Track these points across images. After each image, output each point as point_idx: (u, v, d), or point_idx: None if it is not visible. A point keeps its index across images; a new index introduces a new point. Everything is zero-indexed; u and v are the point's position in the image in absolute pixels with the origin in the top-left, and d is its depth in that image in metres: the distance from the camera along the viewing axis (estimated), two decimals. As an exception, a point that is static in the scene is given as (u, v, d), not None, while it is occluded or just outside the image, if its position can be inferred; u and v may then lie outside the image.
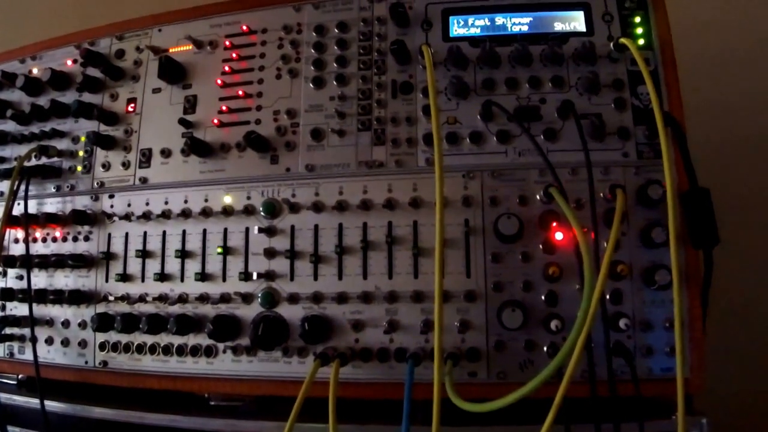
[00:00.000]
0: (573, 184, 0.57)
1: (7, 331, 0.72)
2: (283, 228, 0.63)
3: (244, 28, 0.69)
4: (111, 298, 0.68)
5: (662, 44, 0.61)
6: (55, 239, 0.73)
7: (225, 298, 0.63)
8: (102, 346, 0.68)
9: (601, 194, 0.57)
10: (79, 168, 0.74)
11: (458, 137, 0.61)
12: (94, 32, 0.78)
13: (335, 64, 0.65)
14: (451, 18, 0.64)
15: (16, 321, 0.71)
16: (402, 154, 0.62)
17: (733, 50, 0.96)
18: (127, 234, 0.69)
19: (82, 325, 0.69)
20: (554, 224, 0.56)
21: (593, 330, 0.54)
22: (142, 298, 0.67)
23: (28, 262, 0.69)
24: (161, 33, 0.74)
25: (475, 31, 0.64)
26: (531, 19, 0.63)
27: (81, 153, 0.74)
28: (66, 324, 0.70)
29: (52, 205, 0.74)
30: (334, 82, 0.65)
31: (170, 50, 0.73)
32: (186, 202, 0.67)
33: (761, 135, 0.93)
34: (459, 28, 0.64)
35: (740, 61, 0.96)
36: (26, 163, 0.74)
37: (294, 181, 0.64)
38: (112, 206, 0.70)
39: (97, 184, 0.72)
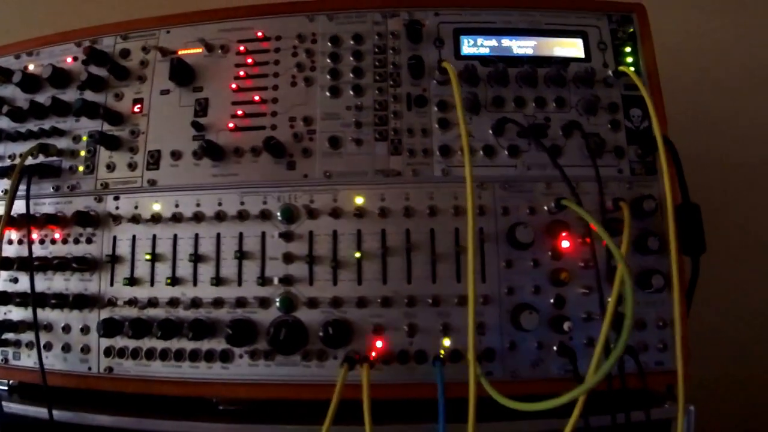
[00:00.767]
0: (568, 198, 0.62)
1: (2, 336, 0.68)
2: (301, 233, 0.64)
3: (259, 34, 0.70)
4: (119, 302, 0.67)
5: (649, 72, 0.68)
6: (54, 241, 0.71)
7: (241, 303, 0.64)
8: (107, 352, 0.66)
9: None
10: (81, 168, 0.72)
11: (472, 150, 0.64)
12: (94, 30, 0.76)
13: (351, 75, 0.68)
14: (462, 37, 0.68)
15: (12, 326, 0.68)
16: (418, 164, 0.65)
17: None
18: (134, 237, 0.67)
19: (85, 330, 0.67)
20: (563, 233, 0.61)
21: (592, 330, 0.60)
22: (152, 303, 0.66)
23: (31, 264, 0.66)
24: (169, 35, 0.73)
25: (484, 51, 0.68)
26: (535, 42, 0.68)
27: (83, 153, 0.72)
28: (67, 329, 0.68)
29: (49, 206, 0.71)
30: (351, 92, 0.67)
31: (179, 52, 0.72)
32: (198, 205, 0.67)
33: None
34: (469, 47, 0.68)
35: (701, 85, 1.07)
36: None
37: (312, 187, 0.65)
38: (117, 208, 0.69)
39: (101, 185, 0.70)
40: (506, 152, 0.64)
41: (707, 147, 0.95)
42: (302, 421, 0.65)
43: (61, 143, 0.73)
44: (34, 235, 0.72)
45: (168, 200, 0.68)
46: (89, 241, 0.69)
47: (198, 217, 0.66)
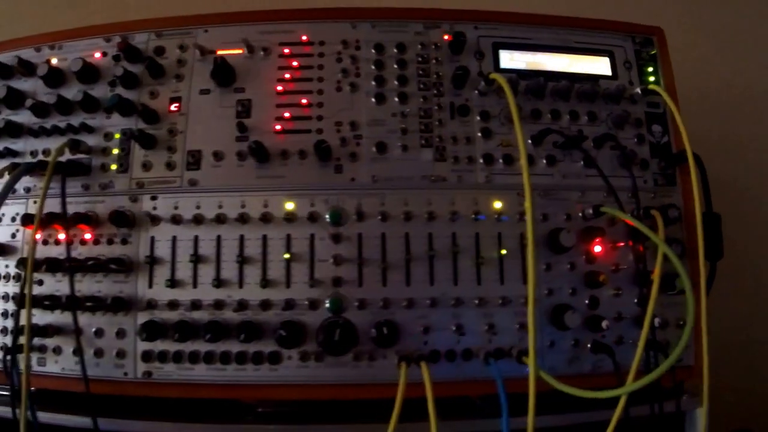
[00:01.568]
0: (606, 205, 0.66)
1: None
2: (349, 235, 0.65)
3: (304, 38, 0.71)
4: (159, 305, 0.65)
5: (668, 91, 0.73)
6: (84, 242, 0.68)
7: (290, 305, 0.64)
8: (146, 356, 0.65)
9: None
10: (114, 166, 0.70)
11: (513, 159, 0.68)
12: (124, 26, 0.75)
13: (396, 82, 0.70)
14: (500, 51, 0.72)
15: (39, 330, 0.65)
16: (463, 170, 0.67)
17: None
18: (174, 238, 0.67)
19: (121, 334, 0.66)
20: (599, 239, 0.66)
21: (622, 329, 0.65)
22: (195, 305, 0.65)
23: (70, 266, 0.64)
24: (207, 34, 0.73)
25: (521, 65, 0.72)
26: (566, 59, 0.73)
27: (115, 150, 0.70)
28: (99, 333, 0.66)
29: (78, 205, 0.69)
30: (396, 99, 0.69)
31: (218, 52, 0.72)
32: (243, 206, 0.67)
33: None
34: (508, 61, 0.71)
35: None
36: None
37: (359, 191, 0.67)
38: (155, 208, 0.68)
39: (136, 184, 0.69)
40: (544, 161, 0.68)
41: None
42: (343, 420, 0.66)
43: (91, 140, 0.71)
44: (62, 236, 0.69)
45: (210, 201, 0.67)
46: (124, 241, 0.68)
47: (243, 219, 0.66)
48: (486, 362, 0.62)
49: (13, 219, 0.72)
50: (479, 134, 0.68)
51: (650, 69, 0.73)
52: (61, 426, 0.65)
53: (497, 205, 0.66)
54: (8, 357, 0.66)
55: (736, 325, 1.09)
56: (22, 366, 0.65)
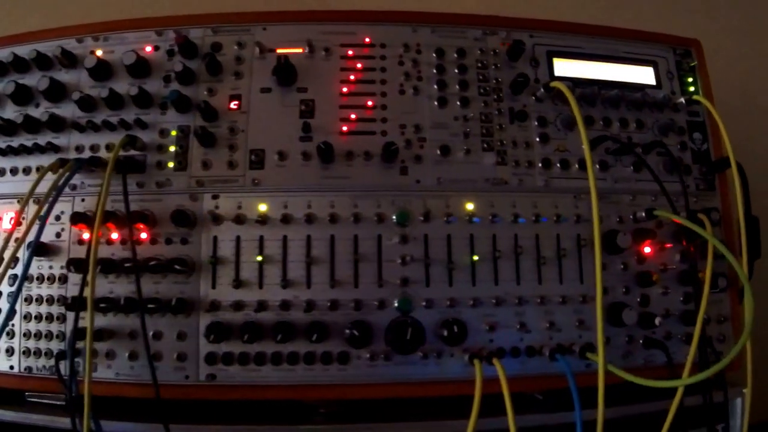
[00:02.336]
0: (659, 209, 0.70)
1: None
2: (416, 236, 0.66)
3: (367, 40, 0.71)
4: (223, 306, 0.64)
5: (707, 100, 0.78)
6: (139, 241, 0.66)
7: (359, 305, 0.65)
8: (210, 359, 0.64)
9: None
10: (171, 164, 0.68)
11: (569, 164, 0.71)
12: (178, 20, 0.73)
13: (457, 87, 0.71)
14: (554, 60, 0.74)
15: (96, 334, 0.63)
16: (523, 174, 0.70)
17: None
18: (238, 237, 0.66)
19: (182, 336, 0.64)
20: (649, 240, 0.69)
21: (669, 325, 0.69)
22: (262, 306, 0.64)
23: (136, 266, 0.62)
24: (266, 32, 0.72)
25: (573, 74, 0.75)
26: (615, 68, 0.76)
27: (172, 147, 0.69)
28: (158, 336, 0.65)
29: (133, 203, 0.66)
30: (458, 103, 0.71)
31: (277, 50, 0.71)
32: (309, 207, 0.67)
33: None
34: (562, 69, 0.74)
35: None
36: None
37: (425, 192, 0.68)
38: (217, 207, 0.67)
39: (196, 182, 0.68)
40: (598, 166, 0.71)
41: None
42: (405, 418, 0.67)
43: (145, 137, 0.69)
44: (115, 235, 0.67)
45: (275, 201, 0.67)
46: (184, 241, 0.66)
47: (310, 219, 0.66)
48: (552, 358, 0.65)
49: (57, 218, 0.69)
50: (537, 139, 0.71)
51: (690, 79, 0.77)
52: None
53: (556, 207, 0.69)
54: (59, 362, 0.64)
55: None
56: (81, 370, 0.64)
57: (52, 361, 0.67)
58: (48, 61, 0.74)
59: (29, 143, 0.72)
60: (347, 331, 0.62)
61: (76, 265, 0.65)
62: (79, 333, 0.63)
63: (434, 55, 0.72)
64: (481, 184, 0.69)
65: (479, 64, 0.72)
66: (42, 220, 0.62)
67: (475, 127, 0.70)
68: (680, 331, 0.69)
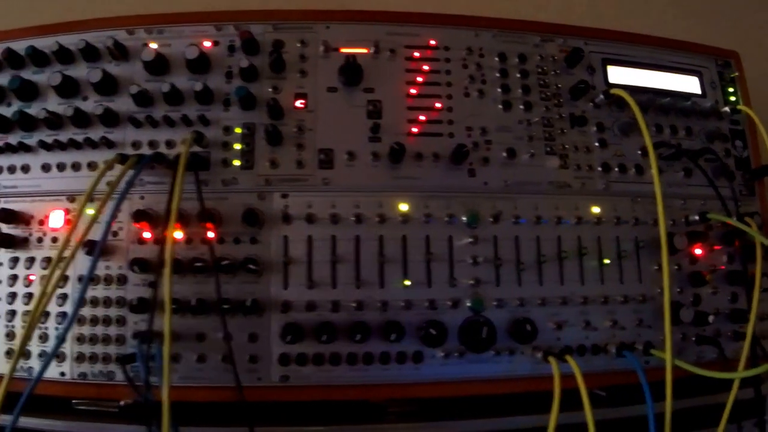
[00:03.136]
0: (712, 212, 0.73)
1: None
2: (485, 237, 0.67)
3: (433, 42, 0.72)
4: (298, 306, 0.63)
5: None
6: (205, 241, 0.65)
7: (433, 304, 0.65)
8: (283, 360, 0.63)
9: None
10: (237, 162, 0.67)
11: (625, 168, 0.73)
12: (235, 15, 0.72)
13: (520, 91, 0.72)
14: (608, 67, 0.77)
15: (155, 336, 0.61)
16: (584, 178, 0.72)
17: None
18: (310, 237, 0.65)
19: (253, 337, 0.63)
20: (701, 242, 0.72)
21: (719, 323, 0.72)
22: (335, 306, 0.64)
23: (215, 267, 0.60)
24: (329, 30, 0.72)
25: (625, 81, 0.77)
26: (665, 77, 0.79)
27: (237, 145, 0.67)
28: (228, 338, 0.63)
29: (195, 201, 0.65)
30: (521, 107, 0.72)
31: (341, 50, 0.71)
32: (381, 206, 0.66)
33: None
34: (616, 76, 0.77)
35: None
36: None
37: (493, 194, 0.69)
38: (286, 206, 0.66)
39: (264, 181, 0.66)
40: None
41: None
42: (472, 416, 0.68)
43: (208, 134, 0.68)
44: (179, 234, 0.65)
45: (346, 201, 0.66)
46: (253, 241, 0.65)
47: (382, 219, 0.66)
48: (619, 355, 0.67)
49: (114, 216, 0.67)
50: (596, 144, 0.73)
51: (731, 90, 0.81)
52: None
53: (615, 210, 0.71)
54: (129, 366, 0.62)
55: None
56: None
57: (110, 366, 0.65)
58: (96, 52, 0.71)
59: (79, 138, 0.69)
60: (425, 330, 0.63)
61: (141, 265, 0.63)
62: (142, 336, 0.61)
63: (497, 59, 0.73)
64: (546, 187, 0.70)
65: (539, 70, 0.74)
66: (110, 218, 0.59)
67: (538, 131, 0.72)
68: (729, 329, 0.73)
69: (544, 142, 0.72)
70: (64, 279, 0.66)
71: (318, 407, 0.68)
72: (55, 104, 0.71)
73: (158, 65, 0.69)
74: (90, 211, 0.67)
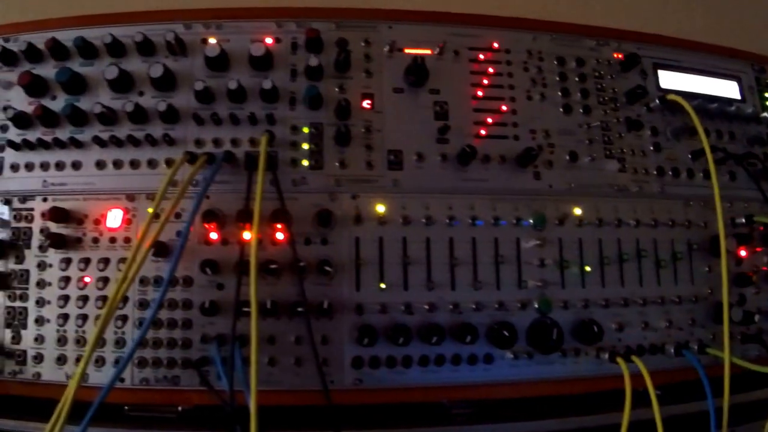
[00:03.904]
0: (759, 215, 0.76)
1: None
2: (551, 239, 0.68)
3: (496, 45, 0.72)
4: (371, 308, 0.63)
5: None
6: (275, 242, 0.64)
7: (502, 306, 0.66)
8: (356, 363, 0.63)
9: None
10: (305, 161, 0.66)
11: (679, 172, 0.75)
12: (297, 12, 0.71)
13: (579, 95, 0.74)
14: (659, 71, 0.79)
15: (223, 339, 0.60)
16: (641, 181, 0.73)
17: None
18: (381, 239, 0.65)
19: (325, 340, 0.63)
20: (745, 243, 0.75)
21: (763, 322, 0.75)
22: (408, 308, 0.64)
23: (300, 267, 0.59)
24: (391, 30, 0.71)
25: (676, 86, 0.79)
26: (708, 82, 0.82)
27: (306, 145, 0.66)
28: (299, 340, 0.62)
29: (265, 202, 0.63)
30: (581, 111, 0.73)
31: (405, 50, 0.71)
32: (451, 209, 0.67)
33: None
34: (666, 81, 0.79)
35: None
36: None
37: (557, 197, 0.70)
38: (357, 207, 0.65)
39: (335, 181, 0.66)
40: (701, 175, 0.76)
41: None
42: (531, 417, 0.69)
43: (275, 133, 0.67)
44: (247, 235, 0.64)
45: (416, 202, 0.66)
46: (324, 242, 0.64)
47: (451, 221, 0.66)
48: (678, 354, 0.69)
49: (178, 215, 0.65)
50: (651, 148, 0.75)
51: (767, 95, 0.84)
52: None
53: (669, 213, 0.73)
54: (207, 370, 0.60)
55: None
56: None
57: (174, 371, 0.63)
58: (152, 46, 0.69)
59: (138, 134, 0.67)
60: (497, 331, 0.63)
61: (212, 266, 0.62)
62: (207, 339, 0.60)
63: (555, 62, 0.74)
64: (606, 190, 0.72)
65: (596, 74, 0.75)
66: (190, 219, 0.58)
67: (598, 134, 0.73)
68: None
69: (602, 145, 0.73)
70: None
71: (377, 410, 0.68)
72: (107, 99, 0.69)
73: (220, 61, 0.67)
74: (151, 211, 0.66)
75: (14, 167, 0.68)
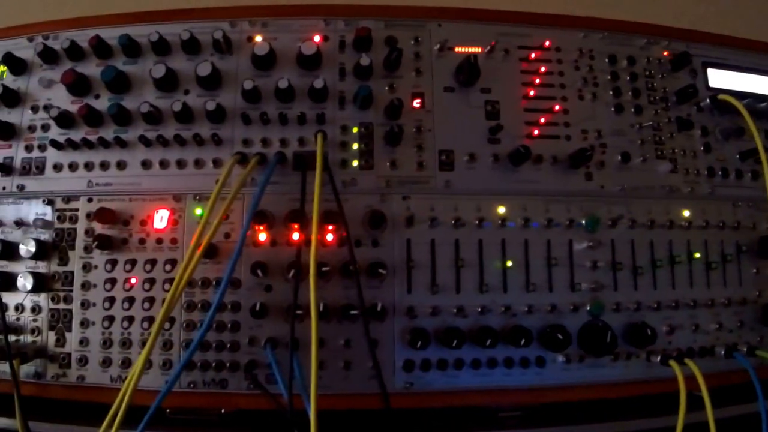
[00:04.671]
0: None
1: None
2: (603, 241, 0.67)
3: (547, 44, 0.71)
4: (422, 311, 0.62)
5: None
6: (325, 243, 0.63)
7: (554, 308, 0.65)
8: (407, 366, 0.62)
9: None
10: (355, 162, 0.65)
11: (728, 172, 0.74)
12: (345, 10, 0.70)
13: (630, 94, 0.72)
14: (708, 70, 0.77)
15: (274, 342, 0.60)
16: (692, 182, 0.72)
17: None
18: (433, 241, 0.64)
19: (374, 343, 0.62)
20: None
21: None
22: (460, 311, 0.63)
23: (355, 270, 0.58)
24: (440, 28, 0.70)
25: (725, 84, 0.78)
26: (756, 80, 0.80)
27: (356, 145, 0.65)
28: (348, 343, 0.62)
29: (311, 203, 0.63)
30: (632, 111, 0.72)
31: (455, 49, 0.69)
32: (503, 210, 0.66)
33: None
34: (715, 79, 0.77)
35: None
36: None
37: (609, 198, 0.69)
38: (409, 209, 0.64)
39: (385, 183, 0.65)
40: (749, 176, 0.75)
41: None
42: (576, 421, 0.68)
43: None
44: (296, 236, 0.63)
45: (468, 204, 0.65)
46: (375, 243, 0.64)
47: (504, 223, 0.65)
48: (728, 356, 0.68)
49: (226, 216, 0.64)
50: (701, 148, 0.74)
51: (811, 94, 0.83)
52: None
53: (720, 214, 0.72)
54: (256, 374, 0.60)
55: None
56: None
57: (223, 374, 0.63)
58: (197, 44, 0.68)
59: (186, 134, 0.66)
60: (550, 334, 0.63)
61: (263, 268, 0.61)
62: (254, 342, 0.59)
63: (606, 61, 0.73)
64: (658, 191, 0.71)
65: (647, 73, 0.74)
66: (247, 221, 0.57)
67: (649, 134, 0.72)
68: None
69: (654, 146, 0.72)
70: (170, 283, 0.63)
71: (422, 413, 0.68)
72: (152, 98, 0.67)
73: (268, 60, 0.66)
74: (198, 212, 0.65)
75: (57, 167, 0.67)
